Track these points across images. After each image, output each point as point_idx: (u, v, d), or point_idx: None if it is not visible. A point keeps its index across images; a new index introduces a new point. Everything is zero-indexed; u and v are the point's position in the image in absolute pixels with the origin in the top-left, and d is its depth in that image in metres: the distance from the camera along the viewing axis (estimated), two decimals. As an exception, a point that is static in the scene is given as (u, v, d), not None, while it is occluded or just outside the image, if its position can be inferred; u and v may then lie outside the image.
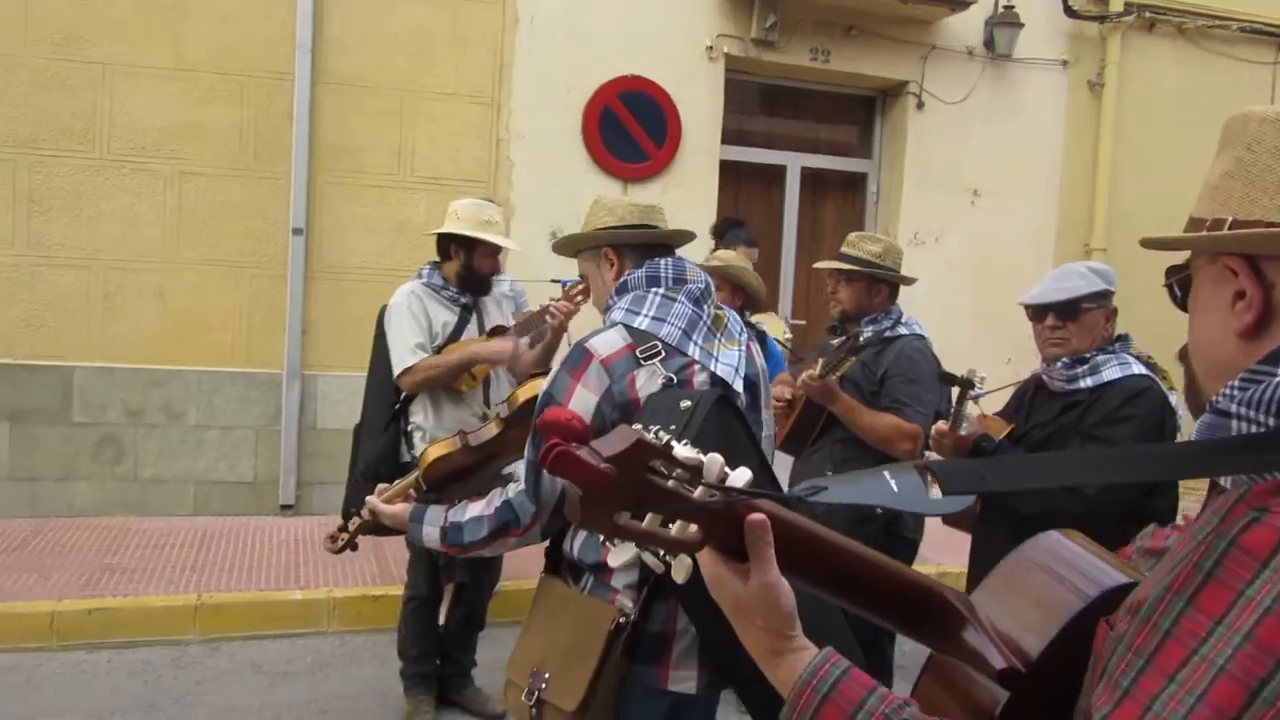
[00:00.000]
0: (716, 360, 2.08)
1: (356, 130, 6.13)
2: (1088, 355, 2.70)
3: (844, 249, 3.49)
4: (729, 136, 6.88)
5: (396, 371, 3.62)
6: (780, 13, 6.60)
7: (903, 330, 3.42)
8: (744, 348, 2.17)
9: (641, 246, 2.18)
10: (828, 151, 7.44)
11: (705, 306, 2.12)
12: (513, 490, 2.01)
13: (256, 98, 5.97)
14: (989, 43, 7.23)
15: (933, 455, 2.90)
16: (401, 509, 2.20)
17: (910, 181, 7.22)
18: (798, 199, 7.30)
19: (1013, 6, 7.15)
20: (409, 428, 3.78)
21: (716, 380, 2.05)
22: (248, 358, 6.07)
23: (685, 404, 1.89)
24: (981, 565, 2.80)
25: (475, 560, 3.68)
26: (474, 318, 3.79)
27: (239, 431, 6.08)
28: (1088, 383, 2.69)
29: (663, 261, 2.14)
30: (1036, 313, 2.77)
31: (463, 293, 3.75)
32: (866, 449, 3.32)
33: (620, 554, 1.82)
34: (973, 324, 7.38)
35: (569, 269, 2.64)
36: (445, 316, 3.72)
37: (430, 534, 2.10)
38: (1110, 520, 2.46)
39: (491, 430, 2.36)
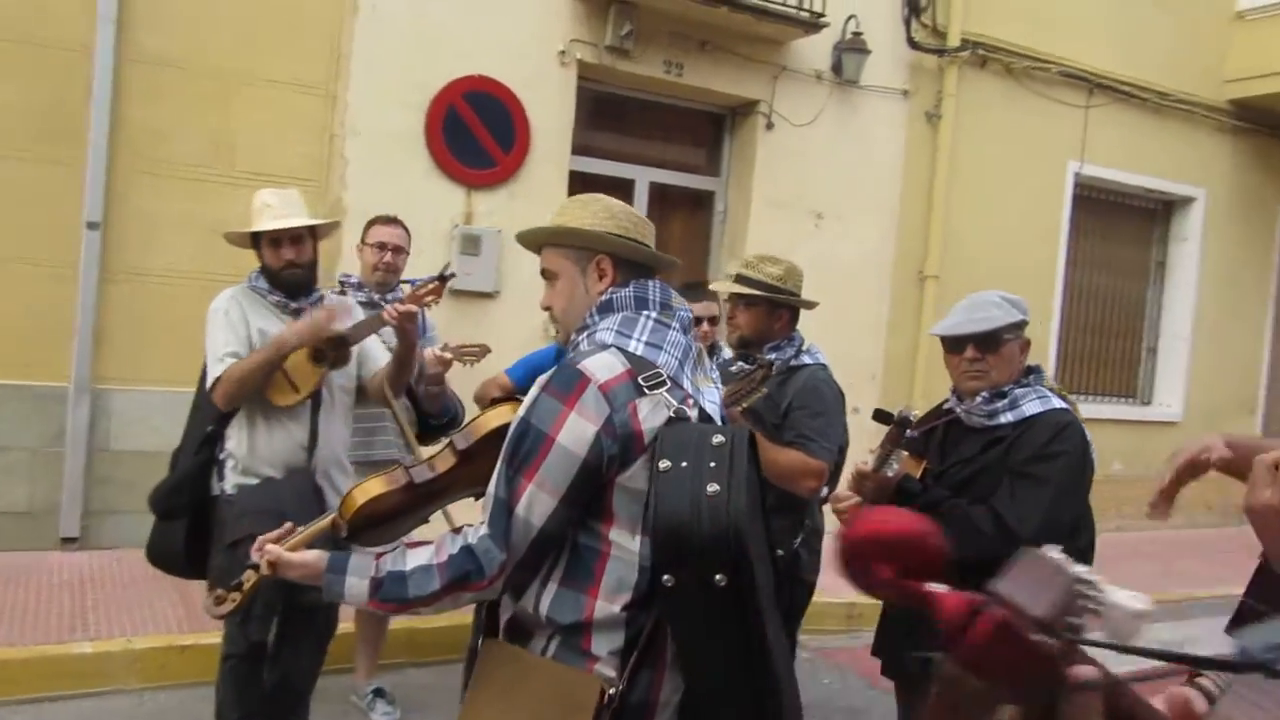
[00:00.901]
0: (703, 395, 1.90)
1: (168, 115, 5.45)
2: (1005, 389, 2.59)
3: (743, 270, 3.27)
4: (577, 146, 6.58)
5: (209, 384, 3.13)
6: (636, 21, 6.37)
7: (806, 359, 3.24)
8: (718, 385, 2.02)
9: (634, 264, 1.92)
10: (676, 167, 7.26)
11: (691, 334, 1.94)
12: (474, 535, 1.73)
13: (51, 72, 5.21)
14: (837, 67, 7.26)
15: (840, 494, 2.70)
16: (314, 558, 1.81)
17: (758, 201, 7.14)
18: (645, 215, 7.06)
19: (860, 33, 7.21)
20: (222, 455, 3.26)
21: (705, 418, 1.87)
22: (26, 369, 5.26)
23: (718, 440, 1.71)
24: None
25: (296, 612, 3.19)
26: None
27: (13, 453, 5.26)
28: (1008, 418, 2.58)
29: (651, 284, 1.92)
30: (954, 344, 2.64)
31: (292, 297, 3.27)
32: (768, 485, 3.12)
33: None
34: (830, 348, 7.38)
35: (425, 269, 2.26)
36: (272, 325, 3.20)
37: (356, 587, 1.75)
38: None
39: (444, 463, 1.93)
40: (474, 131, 6.09)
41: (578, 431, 1.70)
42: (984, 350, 2.59)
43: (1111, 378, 9.45)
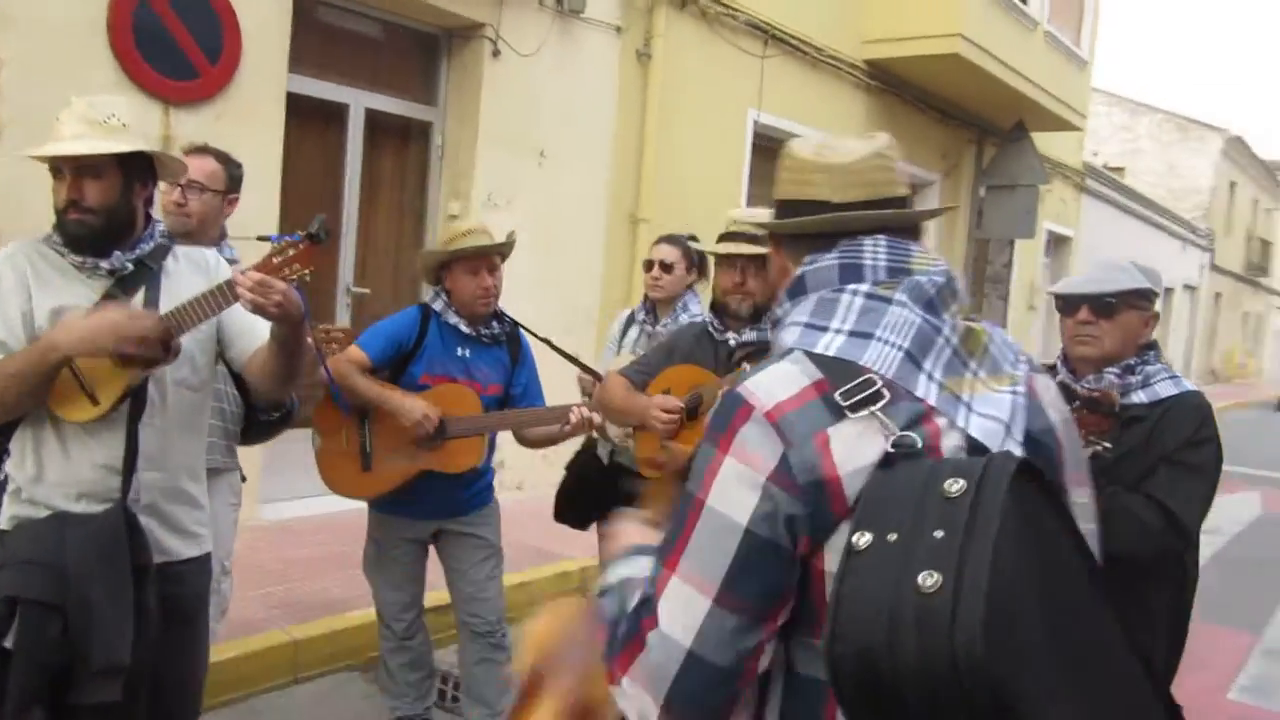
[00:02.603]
0: (970, 409, 1.20)
1: None
2: (1134, 364, 2.42)
3: (742, 228, 2.90)
4: (293, 64, 5.55)
5: None
6: (363, -82, 5.45)
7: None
8: (1023, 386, 1.26)
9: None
10: (390, 92, 6.42)
11: (945, 314, 1.26)
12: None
13: None
14: (561, -6, 6.82)
15: None
16: None
17: (485, 137, 6.54)
18: (361, 145, 6.20)
19: (584, -40, 6.81)
20: (2, 478, 2.33)
21: (974, 446, 1.18)
22: None
23: (955, 488, 1.03)
24: None
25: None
26: (141, 291, 2.31)
27: None
28: (1141, 397, 2.40)
29: (869, 242, 1.29)
30: (1068, 304, 2.45)
31: (98, 254, 2.25)
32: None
33: None
34: (535, 294, 7.00)
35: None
36: (71, 294, 2.23)
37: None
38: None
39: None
40: (173, 33, 4.88)
41: (734, 499, 1.15)
42: (1098, 314, 2.40)
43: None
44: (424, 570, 3.46)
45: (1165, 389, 2.42)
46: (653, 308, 4.03)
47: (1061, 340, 2.55)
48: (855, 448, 1.13)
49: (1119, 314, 2.41)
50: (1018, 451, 1.18)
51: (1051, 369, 2.58)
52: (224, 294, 2.23)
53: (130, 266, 2.30)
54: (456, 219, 2.88)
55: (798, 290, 1.30)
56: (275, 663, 3.95)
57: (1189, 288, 24.89)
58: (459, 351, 3.35)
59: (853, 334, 1.21)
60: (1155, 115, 25.73)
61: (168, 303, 2.28)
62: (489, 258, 3.28)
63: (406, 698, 3.44)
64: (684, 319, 3.95)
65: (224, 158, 3.07)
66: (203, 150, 3.06)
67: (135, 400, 2.29)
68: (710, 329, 3.04)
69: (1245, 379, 30.26)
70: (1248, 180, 29.20)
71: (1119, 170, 20.94)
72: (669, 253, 3.97)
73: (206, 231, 3.00)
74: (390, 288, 6.48)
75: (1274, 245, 32.32)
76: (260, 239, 2.74)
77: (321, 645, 4.11)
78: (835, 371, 1.18)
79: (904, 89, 10.88)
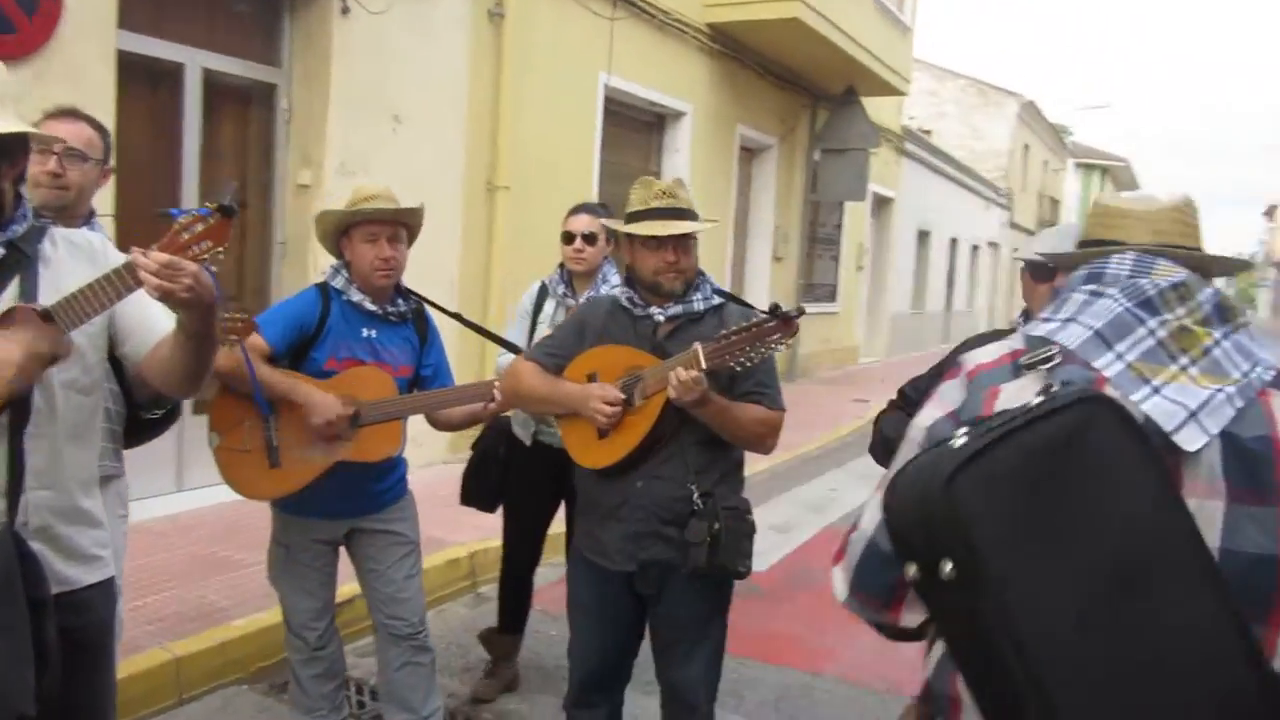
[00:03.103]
0: (1156, 391, 1.29)
1: None
2: None
3: (673, 202, 2.69)
4: (123, 18, 4.99)
5: None
6: None
7: (716, 298, 2.81)
8: (1243, 390, 1.30)
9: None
10: (230, 51, 5.89)
11: (1162, 312, 1.36)
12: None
13: None
14: (411, -51, 6.43)
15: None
16: None
17: (336, 101, 6.12)
18: (199, 110, 5.66)
19: (436, -87, 6.44)
20: None
21: (1149, 425, 1.26)
22: None
23: (1036, 400, 1.22)
24: None
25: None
26: (15, 281, 1.96)
27: None
28: None
29: (1114, 255, 1.45)
30: (1048, 272, 2.43)
31: None
32: (723, 451, 2.73)
33: None
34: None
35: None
36: None
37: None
38: None
39: None
40: (-18, -19, 4.29)
41: (923, 422, 1.44)
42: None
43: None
44: (336, 573, 3.20)
45: None
46: (569, 280, 3.85)
47: (1029, 305, 2.55)
48: (1015, 396, 1.33)
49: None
50: (1194, 442, 1.26)
51: (1009, 332, 2.60)
52: (123, 279, 1.92)
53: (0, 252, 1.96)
54: (353, 186, 2.65)
55: (1057, 299, 1.47)
56: (157, 684, 3.59)
57: (992, 244, 26.48)
58: (364, 332, 3.09)
59: (1064, 320, 1.40)
60: (959, 81, 27.07)
61: (48, 295, 1.96)
62: (392, 225, 3.03)
63: (320, 711, 3.18)
64: (604, 291, 3.80)
65: (96, 123, 2.69)
66: (73, 114, 2.67)
67: (16, 409, 1.95)
68: (626, 304, 2.80)
69: (1039, 328, 32.53)
70: (1039, 143, 31.25)
71: (928, 133, 21.93)
72: (590, 223, 3.79)
73: (81, 207, 2.62)
74: (234, 265, 5.99)
75: (1061, 203, 34.85)
76: (161, 215, 2.40)
77: (206, 659, 3.77)
78: (1033, 344, 1.39)
79: (744, 53, 10.96)
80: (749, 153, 12.08)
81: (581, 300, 3.78)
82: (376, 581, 3.14)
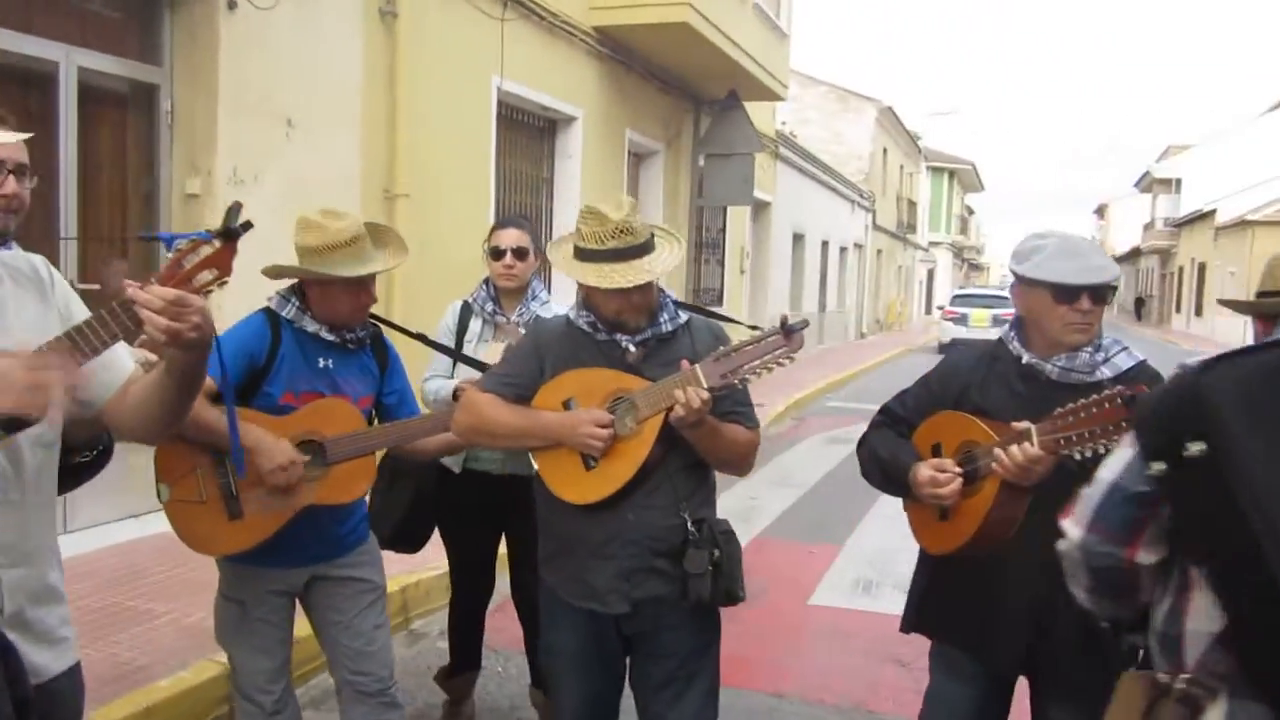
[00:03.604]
0: None
1: None
2: (1099, 342, 2.38)
3: (630, 240, 2.39)
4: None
5: None
6: None
7: (682, 314, 2.61)
8: None
9: None
10: (107, 49, 5.36)
11: None
12: None
13: None
14: (302, -58, 6.02)
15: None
16: None
17: (225, 103, 5.66)
18: (75, 113, 5.13)
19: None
20: None
21: None
22: None
23: None
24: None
25: None
26: None
27: None
28: (1106, 372, 2.34)
29: None
30: (1068, 292, 2.30)
31: None
32: (704, 475, 2.55)
33: None
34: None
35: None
36: None
37: None
38: None
39: None
40: None
41: None
42: (1096, 302, 2.31)
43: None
44: (293, 627, 2.87)
45: (1124, 361, 2.38)
46: (496, 297, 3.60)
47: (1041, 324, 2.38)
48: None
49: (1108, 302, 2.38)
50: None
51: (999, 340, 2.52)
52: (119, 318, 1.64)
53: None
54: (304, 218, 2.35)
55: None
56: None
57: (858, 246, 27.22)
58: (321, 362, 2.78)
59: None
60: (820, 87, 27.73)
61: None
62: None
63: (277, 780, 2.84)
64: (535, 308, 3.58)
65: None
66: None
67: None
68: (586, 329, 2.51)
69: (902, 327, 33.71)
70: (896, 147, 32.34)
71: (794, 138, 22.34)
72: (520, 238, 3.57)
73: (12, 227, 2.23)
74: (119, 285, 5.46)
75: (918, 205, 36.18)
76: (144, 239, 2.10)
77: (130, 727, 3.35)
78: None
79: (630, 57, 10.84)
80: (637, 158, 11.97)
81: (514, 319, 3.55)
82: (342, 635, 2.83)
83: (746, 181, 12.82)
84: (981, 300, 23.91)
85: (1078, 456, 2.12)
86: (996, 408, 2.38)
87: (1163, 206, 46.95)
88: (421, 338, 3.23)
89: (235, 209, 1.75)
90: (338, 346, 2.79)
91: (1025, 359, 2.40)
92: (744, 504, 7.12)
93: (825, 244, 23.11)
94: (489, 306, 3.58)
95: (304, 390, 2.72)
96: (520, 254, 3.54)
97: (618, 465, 2.43)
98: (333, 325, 2.75)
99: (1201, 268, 40.30)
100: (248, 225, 1.70)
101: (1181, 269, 44.92)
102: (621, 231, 2.39)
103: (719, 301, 15.10)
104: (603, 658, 2.55)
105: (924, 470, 2.38)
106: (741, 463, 2.56)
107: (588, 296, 2.52)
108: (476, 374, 3.46)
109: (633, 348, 2.48)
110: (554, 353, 2.55)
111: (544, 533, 2.62)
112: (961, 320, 22.61)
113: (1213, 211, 37.24)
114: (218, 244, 1.68)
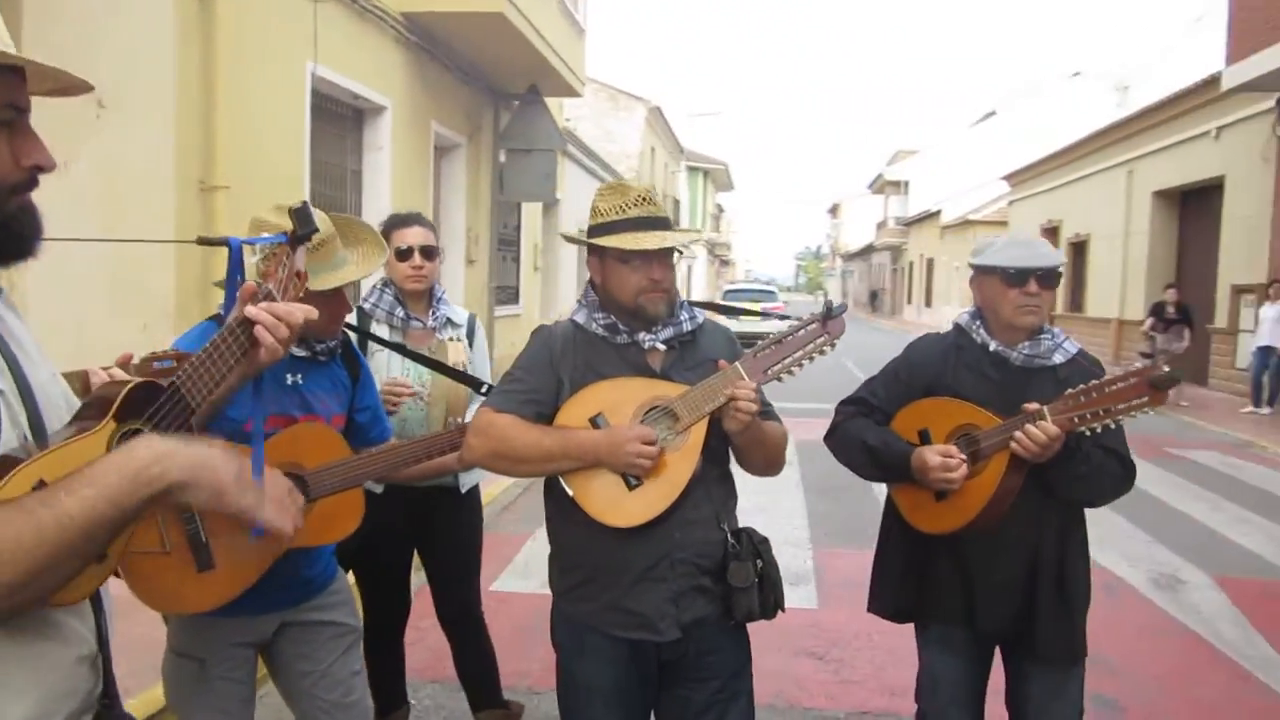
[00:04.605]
0: None
1: None
2: (1045, 327, 2.61)
3: (653, 210, 2.35)
4: None
5: None
6: None
7: (698, 312, 2.53)
8: None
9: None
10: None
11: None
12: None
13: None
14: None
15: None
16: None
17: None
18: None
19: None
20: None
21: None
22: None
23: None
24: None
25: None
26: None
27: None
28: (1058, 358, 2.58)
29: None
30: (1016, 276, 2.52)
31: None
32: (731, 483, 2.48)
33: None
34: (103, 282, 5.59)
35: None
36: None
37: None
38: None
39: None
40: None
41: None
42: (1043, 286, 2.52)
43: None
44: (255, 684, 2.52)
45: (1070, 347, 2.63)
46: (399, 300, 3.33)
47: (996, 309, 2.58)
48: None
49: (1053, 286, 2.58)
50: None
51: (957, 328, 2.71)
52: (239, 339, 1.42)
53: None
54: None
55: None
56: None
57: (631, 242, 27.65)
58: (289, 379, 2.46)
59: None
60: (592, 85, 27.90)
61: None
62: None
63: None
64: (445, 310, 3.40)
65: None
66: None
67: None
68: (602, 332, 2.38)
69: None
70: (661, 146, 33.13)
71: (576, 135, 22.40)
72: (428, 235, 3.36)
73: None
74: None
75: (681, 203, 37.27)
76: (203, 242, 1.78)
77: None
78: None
79: (436, 47, 10.44)
80: (439, 151, 11.55)
81: (430, 323, 3.32)
82: (316, 686, 2.52)
83: (549, 177, 12.67)
84: (750, 295, 24.99)
85: (1087, 433, 2.34)
86: (970, 393, 2.55)
87: (894, 206, 50.92)
88: (398, 348, 2.95)
89: (305, 210, 1.58)
90: (307, 359, 2.48)
91: (993, 346, 2.59)
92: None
93: (604, 240, 23.29)
94: (399, 311, 3.30)
95: (272, 412, 2.39)
96: (429, 253, 3.31)
97: (664, 481, 2.29)
98: (301, 338, 2.43)
99: (930, 263, 44.04)
100: (312, 232, 1.62)
101: (912, 264, 48.92)
102: (643, 200, 2.36)
103: (515, 300, 14.89)
104: (641, 690, 2.39)
105: (932, 455, 2.46)
106: (779, 461, 2.52)
107: (604, 286, 2.40)
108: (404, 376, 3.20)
109: (660, 345, 2.37)
110: (571, 363, 2.38)
111: (566, 562, 2.43)
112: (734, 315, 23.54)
113: (938, 212, 40.75)
114: (290, 249, 1.58)
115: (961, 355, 2.64)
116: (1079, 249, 23.36)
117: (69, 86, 1.36)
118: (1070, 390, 2.36)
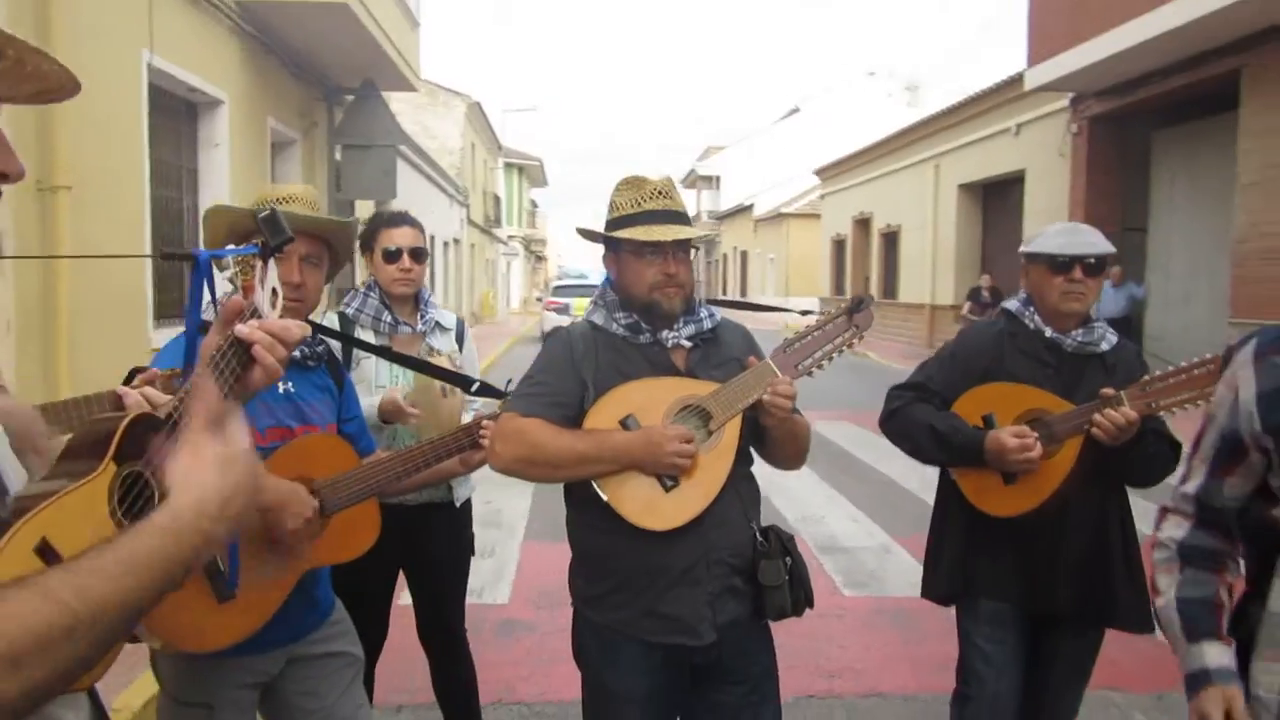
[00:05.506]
0: None
1: None
2: (1091, 316, 2.69)
3: (669, 204, 2.33)
4: None
5: None
6: None
7: (714, 309, 2.53)
8: None
9: None
10: None
11: None
12: None
13: None
14: None
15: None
16: None
17: None
18: None
19: None
20: None
21: None
22: None
23: None
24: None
25: None
26: None
27: None
28: (1104, 346, 2.66)
29: None
30: (1061, 263, 2.60)
31: None
32: (755, 482, 2.46)
33: None
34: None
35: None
36: None
37: None
38: None
39: None
40: None
41: None
42: (1088, 273, 2.60)
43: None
44: (255, 726, 2.31)
45: (1112, 337, 2.73)
46: (384, 304, 3.18)
47: (1043, 295, 2.67)
48: None
49: (1100, 274, 2.66)
50: None
51: (1007, 315, 2.77)
52: (231, 363, 1.37)
53: None
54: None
55: None
56: None
57: (456, 241, 27.17)
58: (281, 387, 2.27)
59: None
60: (409, 80, 27.21)
61: None
62: (309, 241, 2.27)
63: None
64: (434, 315, 3.27)
65: None
66: None
67: None
68: (623, 331, 2.34)
69: (494, 320, 34.22)
70: (480, 143, 32.67)
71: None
72: (417, 236, 3.22)
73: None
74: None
75: (503, 200, 36.87)
76: (166, 257, 1.60)
77: None
78: None
79: (271, 38, 9.90)
80: (275, 148, 10.96)
81: (419, 326, 3.19)
82: (322, 723, 2.33)
83: (388, 174, 12.27)
84: (578, 290, 25.03)
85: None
86: (1028, 379, 2.63)
87: (706, 201, 52.19)
88: (384, 351, 2.76)
89: (275, 218, 1.48)
90: (297, 364, 2.30)
91: (1049, 333, 2.66)
92: (488, 510, 6.84)
93: (431, 238, 22.81)
94: (386, 316, 3.13)
95: (269, 425, 2.21)
96: (418, 255, 3.16)
97: (701, 481, 2.25)
98: None
99: (744, 255, 45.43)
100: (291, 237, 1.49)
101: (726, 256, 50.33)
102: (659, 194, 2.34)
103: (353, 301, 14.33)
104: (675, 696, 2.34)
105: (1009, 439, 2.50)
106: (805, 453, 2.51)
107: (620, 281, 2.38)
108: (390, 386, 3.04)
109: (685, 343, 2.35)
110: (593, 364, 2.32)
111: (592, 569, 2.35)
112: (564, 310, 23.45)
113: (751, 205, 42.07)
114: (262, 261, 1.45)
115: (1015, 341, 2.70)
116: (890, 240, 24.65)
117: (58, 89, 1.18)
118: (1145, 376, 2.50)
